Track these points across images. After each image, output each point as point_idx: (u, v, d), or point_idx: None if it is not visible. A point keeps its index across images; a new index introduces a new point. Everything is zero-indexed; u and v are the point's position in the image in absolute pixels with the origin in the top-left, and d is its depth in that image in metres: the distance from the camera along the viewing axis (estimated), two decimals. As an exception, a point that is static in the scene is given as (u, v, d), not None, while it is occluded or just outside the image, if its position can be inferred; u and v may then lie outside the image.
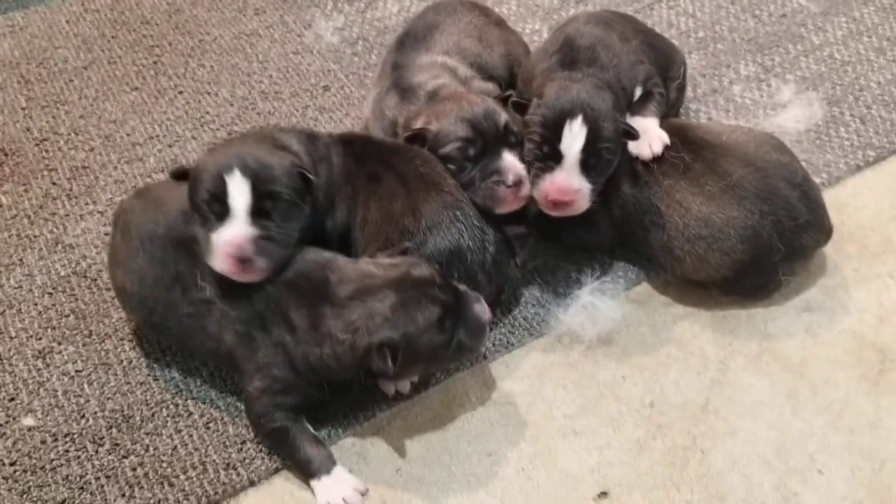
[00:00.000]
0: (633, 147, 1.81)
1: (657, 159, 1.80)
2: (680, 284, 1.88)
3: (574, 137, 1.67)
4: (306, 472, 1.58)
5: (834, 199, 2.01)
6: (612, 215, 1.85)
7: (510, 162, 1.76)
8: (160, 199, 1.68)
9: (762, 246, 1.73)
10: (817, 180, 2.00)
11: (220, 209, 1.52)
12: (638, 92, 1.90)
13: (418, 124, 1.82)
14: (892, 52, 2.45)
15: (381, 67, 2.10)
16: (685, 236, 1.77)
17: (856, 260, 1.96)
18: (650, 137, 1.81)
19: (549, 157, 1.71)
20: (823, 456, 1.64)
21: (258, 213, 1.52)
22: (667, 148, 1.80)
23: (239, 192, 1.51)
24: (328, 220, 1.74)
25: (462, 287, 1.58)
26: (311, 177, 1.59)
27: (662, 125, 1.86)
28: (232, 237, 1.50)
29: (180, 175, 1.60)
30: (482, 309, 1.56)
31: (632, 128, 1.76)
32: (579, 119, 1.67)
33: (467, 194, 1.77)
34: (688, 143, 1.81)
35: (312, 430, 1.61)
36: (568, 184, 1.69)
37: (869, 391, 1.73)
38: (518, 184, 1.75)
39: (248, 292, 1.56)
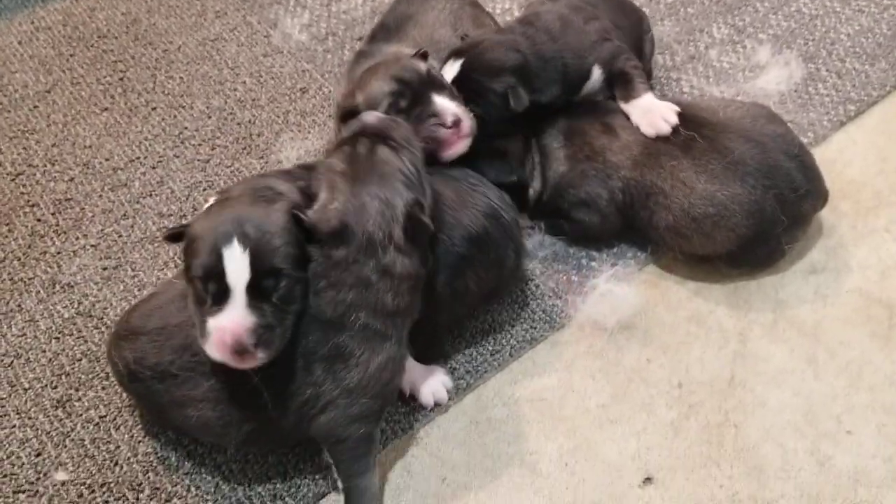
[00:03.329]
0: (647, 128, 1.82)
1: (658, 140, 1.81)
2: (687, 261, 1.91)
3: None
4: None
5: (822, 158, 2.02)
6: (616, 199, 1.86)
7: (442, 103, 1.72)
8: (157, 326, 1.56)
9: (766, 219, 1.76)
10: (804, 140, 2.03)
11: (216, 289, 1.38)
12: (597, 71, 1.90)
13: (350, 101, 1.78)
14: (857, 2, 2.49)
15: (353, 56, 2.07)
16: (691, 215, 1.79)
17: (851, 217, 2.01)
18: (657, 114, 1.82)
19: None
20: (850, 416, 1.69)
21: (258, 294, 1.38)
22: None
23: (237, 270, 1.37)
24: None
25: None
26: (305, 220, 1.45)
27: None
28: (230, 326, 1.37)
29: (175, 237, 1.47)
30: None
31: None
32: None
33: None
34: (686, 122, 1.82)
35: None
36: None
37: (882, 347, 1.79)
38: (457, 123, 1.71)
39: (308, 323, 1.49)
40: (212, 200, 1.53)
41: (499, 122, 1.82)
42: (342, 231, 1.44)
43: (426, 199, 1.53)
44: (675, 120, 1.81)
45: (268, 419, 1.49)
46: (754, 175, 1.76)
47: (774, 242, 1.83)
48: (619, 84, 1.91)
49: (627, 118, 1.87)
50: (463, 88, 1.79)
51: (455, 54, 1.84)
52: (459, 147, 1.73)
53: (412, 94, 1.72)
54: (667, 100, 1.90)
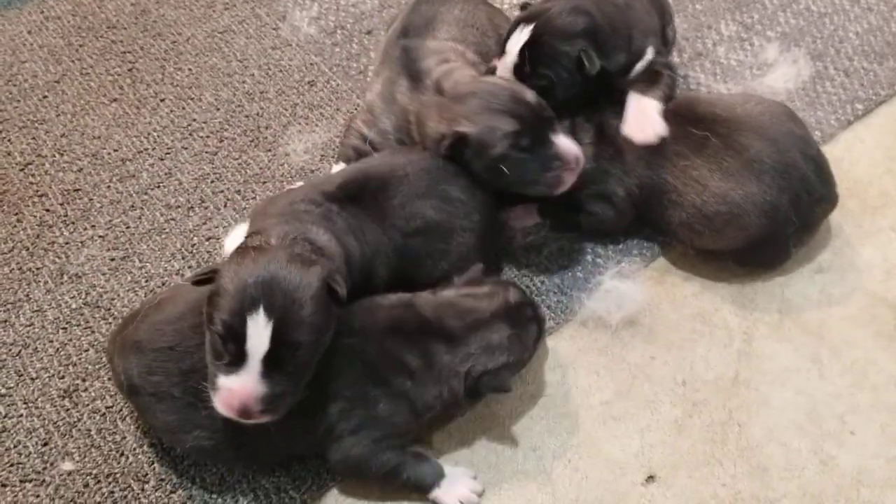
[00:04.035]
0: (626, 128, 1.82)
1: (671, 139, 1.81)
2: (694, 258, 1.91)
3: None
4: (422, 489, 1.59)
5: (829, 156, 2.00)
6: (632, 195, 1.86)
7: (565, 146, 1.71)
8: (167, 344, 1.55)
9: (779, 220, 1.76)
10: (812, 139, 2.03)
11: (234, 350, 1.37)
12: (650, 53, 1.89)
13: (442, 126, 1.73)
14: (866, 1, 2.48)
15: (383, 55, 2.02)
16: (703, 213, 1.79)
17: (857, 216, 2.01)
18: (646, 123, 1.82)
19: None
20: (853, 416, 1.70)
21: (274, 364, 1.37)
22: (679, 127, 1.81)
23: (258, 340, 1.35)
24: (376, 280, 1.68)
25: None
26: (339, 291, 1.43)
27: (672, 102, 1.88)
28: (239, 392, 1.37)
29: (203, 281, 1.44)
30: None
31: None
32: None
33: (523, 189, 1.74)
34: (700, 120, 1.81)
35: (412, 448, 1.61)
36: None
37: (886, 347, 1.79)
38: (579, 162, 1.72)
39: (346, 355, 1.52)
40: (242, 232, 1.51)
41: (568, 88, 1.81)
42: None
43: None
44: (648, 141, 1.80)
45: (269, 443, 1.50)
46: (770, 174, 1.75)
47: (783, 244, 1.83)
48: (646, 77, 1.89)
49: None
50: (534, 53, 1.77)
51: (525, 20, 1.81)
52: (571, 181, 1.74)
53: (531, 134, 1.69)
54: (680, 95, 1.89)
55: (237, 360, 1.37)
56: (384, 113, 1.92)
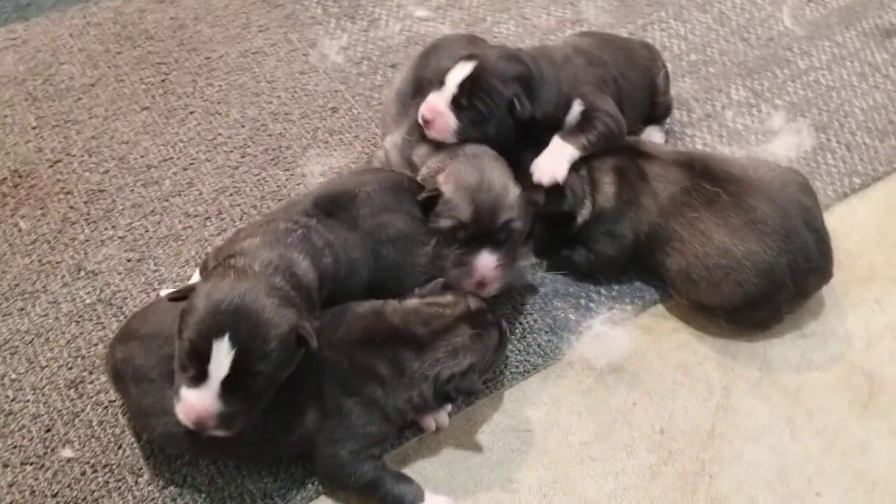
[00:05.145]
0: (540, 165, 1.92)
1: (683, 191, 1.90)
2: (684, 312, 1.99)
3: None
4: None
5: None
6: (639, 240, 1.96)
7: (484, 263, 1.80)
8: (151, 332, 1.65)
9: (775, 282, 1.84)
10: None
11: (197, 366, 1.45)
12: (577, 106, 1.97)
13: (440, 179, 1.85)
14: (874, 78, 2.57)
15: (398, 105, 2.11)
16: (704, 263, 1.87)
17: (844, 286, 2.08)
18: (551, 166, 1.91)
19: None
20: (820, 478, 1.76)
21: (233, 387, 1.45)
22: (693, 180, 1.91)
23: (219, 363, 1.43)
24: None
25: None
26: (311, 343, 1.50)
27: (688, 154, 2.00)
28: (197, 406, 1.46)
29: (178, 299, 1.53)
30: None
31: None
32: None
33: (435, 262, 1.83)
34: (713, 176, 1.90)
35: (394, 469, 1.69)
36: None
37: (859, 415, 1.86)
38: (481, 286, 1.80)
39: (320, 367, 1.60)
40: (217, 251, 1.65)
41: (500, 126, 1.92)
42: None
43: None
44: (545, 184, 1.90)
45: (238, 441, 1.57)
46: (773, 236, 1.84)
47: (776, 308, 1.91)
48: (579, 124, 1.97)
49: (659, 167, 1.96)
50: (472, 88, 1.88)
51: (466, 58, 1.93)
52: (469, 289, 1.81)
53: (473, 235, 1.80)
54: (698, 151, 2.06)
55: (199, 376, 1.45)
56: (400, 167, 2.01)
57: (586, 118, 1.97)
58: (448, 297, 1.73)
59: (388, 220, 1.80)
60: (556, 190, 1.93)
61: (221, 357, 1.43)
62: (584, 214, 1.98)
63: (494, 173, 1.84)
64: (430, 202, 1.82)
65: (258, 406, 1.52)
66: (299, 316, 1.51)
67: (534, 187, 1.91)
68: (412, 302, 1.71)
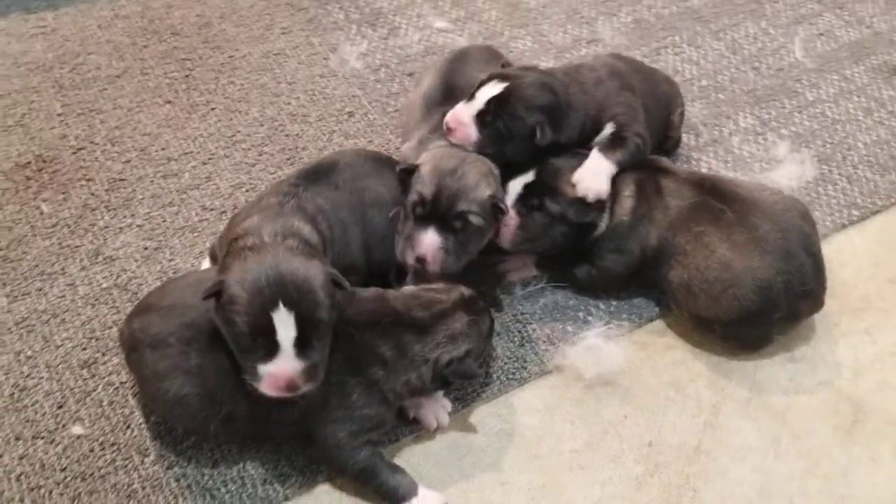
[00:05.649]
0: (576, 176, 1.98)
1: (691, 207, 1.98)
2: (680, 330, 2.05)
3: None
4: (394, 500, 1.71)
5: None
6: (645, 255, 2.02)
7: (427, 241, 1.86)
8: (169, 304, 1.70)
9: (770, 300, 1.91)
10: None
11: (265, 343, 1.53)
12: (609, 128, 2.05)
13: (421, 158, 1.95)
14: (879, 114, 2.63)
15: (423, 111, 2.16)
16: (705, 276, 1.94)
17: (837, 314, 2.14)
18: (595, 181, 1.98)
19: None
20: (801, 499, 1.82)
21: (302, 342, 1.54)
22: (701, 198, 1.98)
23: (286, 329, 1.52)
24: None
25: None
26: (344, 285, 1.63)
27: (700, 174, 2.10)
28: (283, 373, 1.55)
29: (212, 295, 1.56)
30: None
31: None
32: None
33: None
34: (721, 195, 1.98)
35: (390, 460, 1.75)
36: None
37: (842, 441, 1.92)
38: (420, 261, 1.87)
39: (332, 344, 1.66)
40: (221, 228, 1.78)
41: (518, 146, 1.99)
42: None
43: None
44: (595, 199, 1.97)
45: (248, 408, 1.66)
46: (773, 255, 1.91)
47: (768, 327, 1.98)
48: (612, 141, 2.04)
49: (674, 182, 2.03)
50: (499, 107, 1.95)
51: (500, 77, 1.99)
52: (412, 264, 1.90)
53: (429, 213, 1.86)
54: (708, 172, 2.20)
55: (271, 349, 1.54)
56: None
57: (618, 137, 2.04)
58: (440, 284, 1.82)
59: (369, 184, 1.92)
60: (579, 199, 1.99)
61: (285, 323, 1.52)
62: (601, 227, 2.05)
63: (472, 168, 1.91)
64: (407, 175, 1.91)
65: (328, 347, 1.61)
66: (325, 264, 1.62)
67: (567, 198, 1.98)
68: (409, 287, 1.81)
